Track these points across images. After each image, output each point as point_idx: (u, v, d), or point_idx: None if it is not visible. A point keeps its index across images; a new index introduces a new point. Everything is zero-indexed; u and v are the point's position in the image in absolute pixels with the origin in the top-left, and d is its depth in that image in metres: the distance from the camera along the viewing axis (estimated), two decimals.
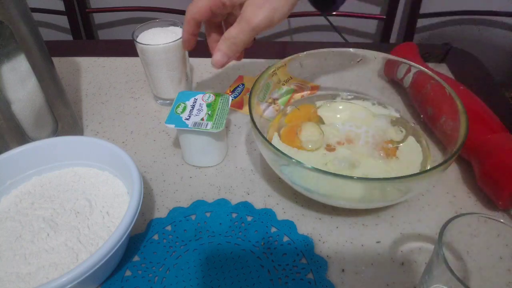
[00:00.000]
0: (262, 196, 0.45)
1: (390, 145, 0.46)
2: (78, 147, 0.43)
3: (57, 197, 0.41)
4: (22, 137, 0.46)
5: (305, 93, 0.55)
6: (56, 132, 0.49)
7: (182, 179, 0.48)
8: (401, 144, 0.47)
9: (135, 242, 0.40)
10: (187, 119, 0.45)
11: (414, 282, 0.37)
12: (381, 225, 0.42)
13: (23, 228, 0.38)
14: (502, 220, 0.30)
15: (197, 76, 0.66)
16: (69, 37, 1.21)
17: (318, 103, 0.53)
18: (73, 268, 0.31)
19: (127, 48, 0.69)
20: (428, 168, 0.43)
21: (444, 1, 1.01)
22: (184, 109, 0.46)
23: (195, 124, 0.44)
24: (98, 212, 0.39)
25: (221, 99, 0.48)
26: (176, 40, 0.52)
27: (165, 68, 0.54)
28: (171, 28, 0.57)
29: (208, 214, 0.43)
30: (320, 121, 0.50)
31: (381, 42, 1.07)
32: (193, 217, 0.43)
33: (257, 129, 0.40)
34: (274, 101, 0.52)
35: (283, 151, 0.37)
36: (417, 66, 0.47)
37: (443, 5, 1.01)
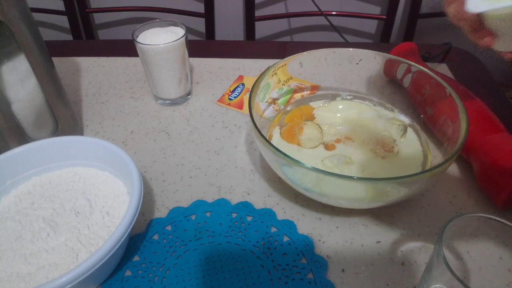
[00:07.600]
0: (262, 196, 0.45)
1: (390, 141, 0.46)
2: (78, 147, 0.43)
3: (57, 197, 0.41)
4: (22, 137, 0.46)
5: (305, 93, 0.55)
6: (56, 132, 0.49)
7: (182, 179, 0.48)
8: (401, 139, 0.47)
9: (135, 242, 0.40)
10: None
11: (414, 282, 0.37)
12: (381, 225, 0.42)
13: (23, 228, 0.38)
14: (502, 220, 0.30)
15: (197, 76, 0.66)
16: (69, 37, 1.21)
17: (316, 103, 0.53)
18: (73, 268, 0.31)
19: (127, 48, 0.69)
20: (428, 168, 0.43)
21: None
22: None
23: None
24: (98, 212, 0.39)
25: None
26: (176, 40, 0.52)
27: (165, 68, 0.54)
28: (171, 28, 0.57)
29: (208, 214, 0.43)
30: (316, 121, 0.50)
31: (381, 42, 1.07)
32: (193, 217, 0.43)
33: (257, 129, 0.40)
34: (274, 101, 0.52)
35: (283, 149, 0.37)
36: (417, 66, 0.47)
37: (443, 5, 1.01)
